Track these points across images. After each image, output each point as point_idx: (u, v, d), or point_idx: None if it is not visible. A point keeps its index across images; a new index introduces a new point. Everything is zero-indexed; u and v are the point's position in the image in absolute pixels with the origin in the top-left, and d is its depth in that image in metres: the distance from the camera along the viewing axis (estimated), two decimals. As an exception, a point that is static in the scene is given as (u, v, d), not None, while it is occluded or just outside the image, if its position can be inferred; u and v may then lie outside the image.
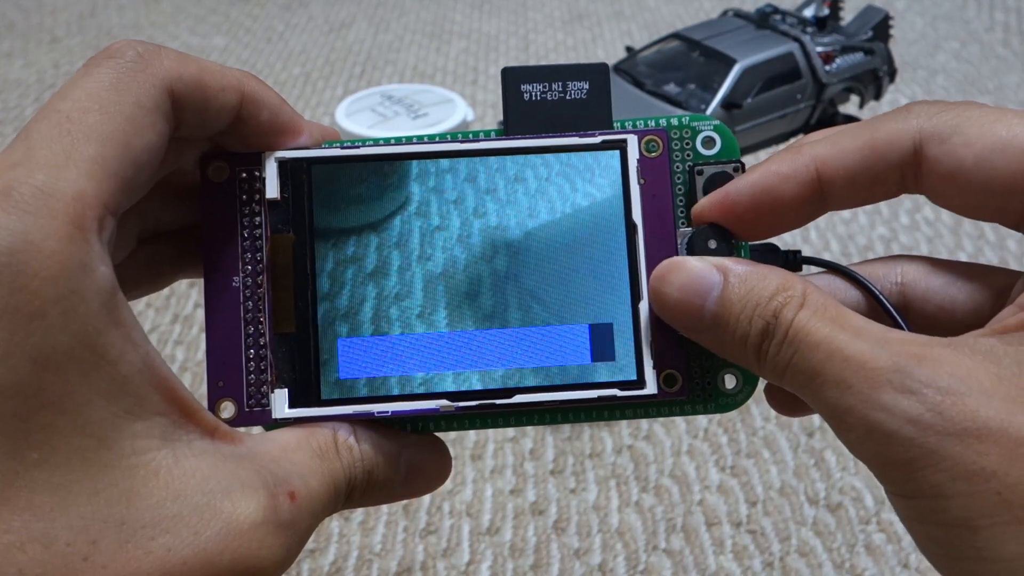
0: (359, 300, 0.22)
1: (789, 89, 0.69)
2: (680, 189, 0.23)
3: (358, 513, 0.49)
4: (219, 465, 0.18)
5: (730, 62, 0.67)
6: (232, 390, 0.21)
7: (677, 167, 0.23)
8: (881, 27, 0.75)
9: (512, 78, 0.23)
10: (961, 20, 1.15)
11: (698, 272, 0.20)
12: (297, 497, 0.18)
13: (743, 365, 0.20)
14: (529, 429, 0.54)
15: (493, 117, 0.94)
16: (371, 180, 0.22)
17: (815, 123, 0.73)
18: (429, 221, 0.22)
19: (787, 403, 0.23)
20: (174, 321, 0.64)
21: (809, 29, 0.72)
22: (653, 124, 0.23)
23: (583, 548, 0.48)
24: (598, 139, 0.22)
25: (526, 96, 0.23)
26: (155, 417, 0.17)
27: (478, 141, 0.22)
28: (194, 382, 0.58)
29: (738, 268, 0.20)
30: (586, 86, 0.23)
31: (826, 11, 0.73)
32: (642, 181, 0.22)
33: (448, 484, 0.51)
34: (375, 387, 0.22)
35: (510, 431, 0.54)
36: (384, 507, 0.50)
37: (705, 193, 0.22)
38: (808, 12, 0.75)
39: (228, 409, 0.21)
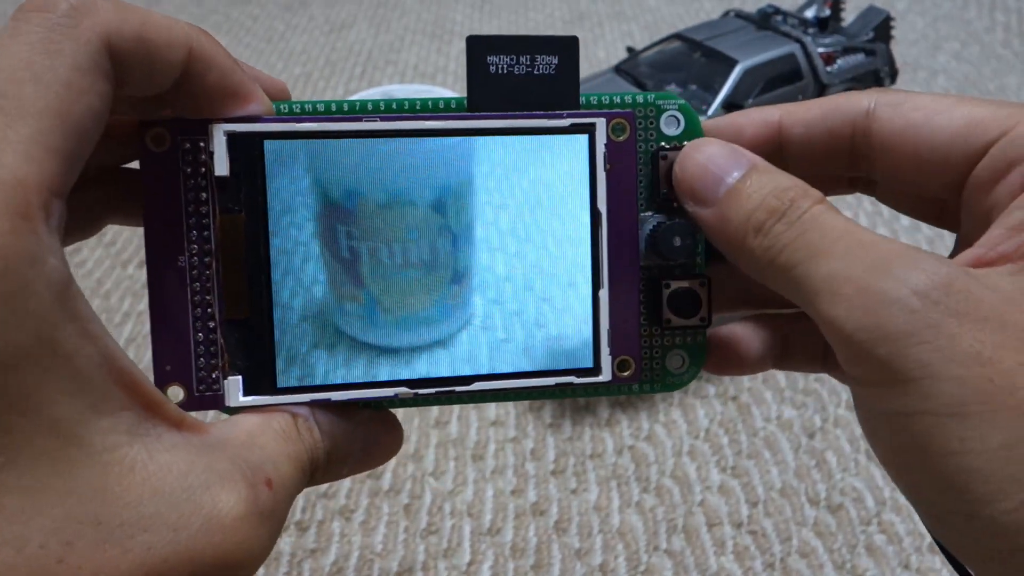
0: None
1: (790, 90, 0.69)
2: (641, 171, 0.23)
3: (359, 513, 0.49)
4: (195, 458, 0.17)
5: (731, 63, 0.67)
6: (180, 374, 0.21)
7: (640, 147, 0.23)
8: (882, 28, 0.75)
9: (478, 48, 0.22)
10: (962, 21, 1.15)
11: (730, 151, 0.21)
12: (273, 484, 0.18)
13: (731, 249, 0.21)
14: (530, 429, 0.54)
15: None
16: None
17: (816, 124, 0.73)
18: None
19: (723, 361, 0.24)
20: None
21: (810, 30, 0.72)
22: (619, 100, 0.22)
23: (584, 548, 0.48)
24: (567, 122, 0.22)
25: (492, 68, 0.22)
26: (120, 412, 0.16)
27: (441, 119, 0.21)
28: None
29: (763, 163, 0.21)
30: (555, 61, 0.22)
31: (827, 12, 0.73)
32: (608, 167, 0.22)
33: (449, 484, 0.51)
34: (331, 372, 0.21)
35: (511, 431, 0.54)
36: (385, 507, 0.50)
37: (667, 179, 0.22)
38: (809, 13, 0.75)
39: (177, 394, 0.21)
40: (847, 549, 0.48)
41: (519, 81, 0.22)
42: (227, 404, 0.21)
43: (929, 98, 0.21)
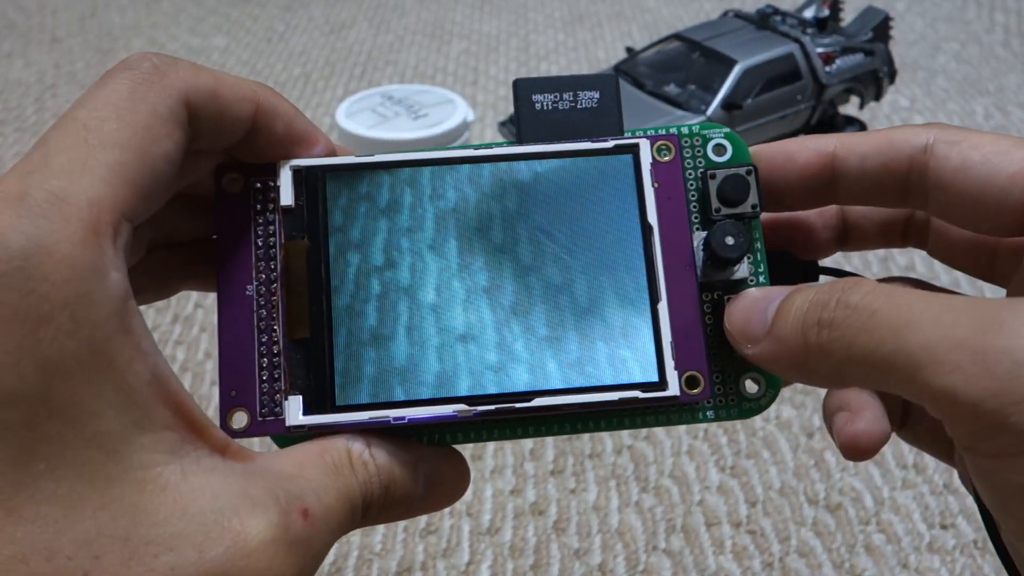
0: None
1: (789, 90, 0.69)
2: (693, 196, 0.23)
3: (358, 513, 0.49)
4: (229, 482, 0.17)
5: (730, 63, 0.67)
6: (245, 399, 0.21)
7: (689, 173, 0.23)
8: (881, 28, 0.75)
9: (524, 89, 0.23)
10: (961, 21, 1.15)
11: (768, 290, 0.21)
12: (311, 514, 0.18)
13: (798, 362, 0.19)
14: (529, 429, 0.54)
15: (493, 118, 0.94)
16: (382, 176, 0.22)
17: (815, 124, 0.73)
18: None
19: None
20: (174, 321, 0.64)
21: (809, 30, 0.72)
22: (663, 131, 0.23)
23: (583, 548, 0.48)
24: (611, 144, 0.22)
25: (538, 106, 0.23)
26: (163, 431, 0.16)
27: (493, 149, 0.23)
28: (195, 382, 0.58)
29: (804, 287, 0.20)
30: (596, 96, 0.23)
31: (826, 12, 0.74)
32: (656, 185, 0.22)
33: (448, 484, 0.51)
34: (388, 389, 0.21)
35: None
36: (384, 507, 0.50)
37: (719, 197, 0.22)
38: (808, 13, 0.75)
39: (240, 419, 0.21)
40: (846, 548, 0.48)
41: (564, 115, 0.23)
42: (287, 424, 0.21)
43: (990, 137, 0.21)
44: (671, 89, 0.69)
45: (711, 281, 0.22)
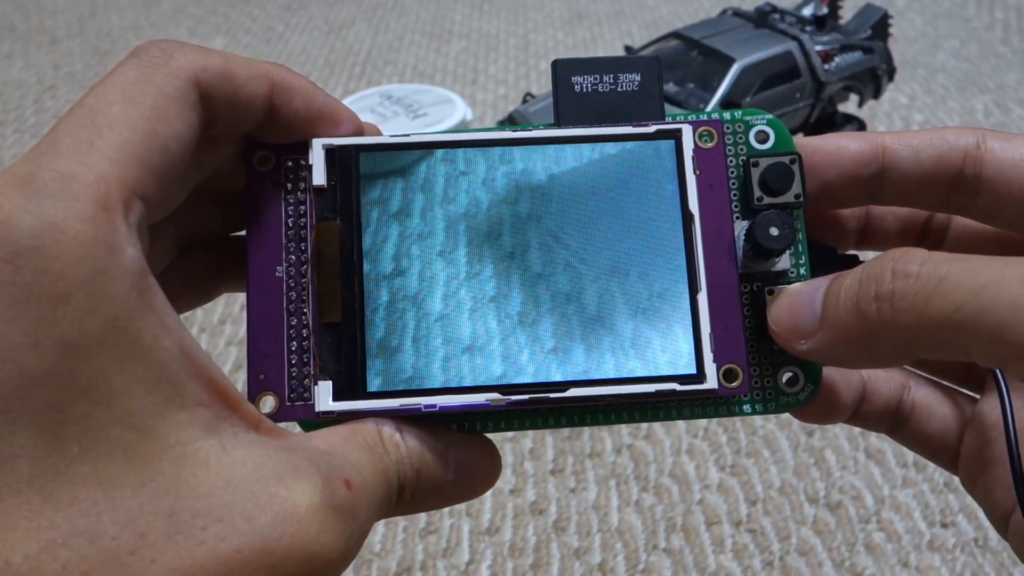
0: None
1: (788, 88, 0.69)
2: (734, 184, 0.22)
3: (358, 513, 0.49)
4: (270, 453, 0.17)
5: (729, 61, 0.67)
6: (273, 383, 0.21)
7: (731, 161, 0.22)
8: (880, 26, 0.75)
9: (563, 69, 0.23)
10: (961, 18, 1.15)
11: (808, 283, 0.20)
12: (353, 485, 0.18)
13: (862, 342, 0.18)
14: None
15: (492, 117, 0.94)
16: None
17: (814, 122, 0.73)
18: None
19: (820, 407, 0.22)
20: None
21: (808, 28, 0.72)
22: (705, 119, 0.23)
23: (583, 547, 0.48)
24: (652, 129, 0.22)
25: (577, 88, 0.22)
26: (197, 408, 0.16)
27: (531, 131, 0.22)
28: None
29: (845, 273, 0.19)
30: (637, 78, 0.22)
31: (825, 10, 0.73)
32: (698, 172, 0.22)
33: (448, 484, 0.51)
34: (420, 377, 0.21)
35: (509, 432, 0.54)
36: (384, 507, 0.50)
37: (761, 185, 0.22)
38: (807, 11, 0.75)
39: (268, 403, 0.21)
40: (846, 547, 0.48)
41: (604, 97, 0.23)
42: (317, 409, 0.20)
43: None
44: (670, 88, 0.69)
45: (750, 272, 0.22)
